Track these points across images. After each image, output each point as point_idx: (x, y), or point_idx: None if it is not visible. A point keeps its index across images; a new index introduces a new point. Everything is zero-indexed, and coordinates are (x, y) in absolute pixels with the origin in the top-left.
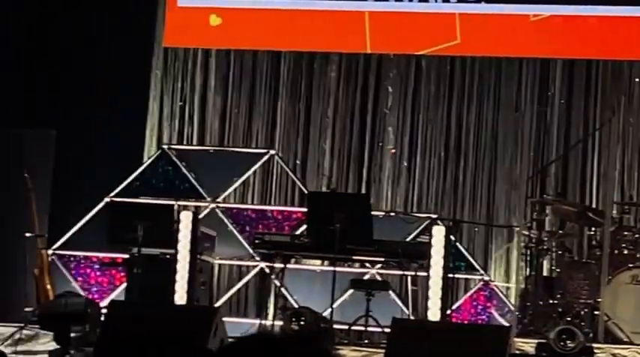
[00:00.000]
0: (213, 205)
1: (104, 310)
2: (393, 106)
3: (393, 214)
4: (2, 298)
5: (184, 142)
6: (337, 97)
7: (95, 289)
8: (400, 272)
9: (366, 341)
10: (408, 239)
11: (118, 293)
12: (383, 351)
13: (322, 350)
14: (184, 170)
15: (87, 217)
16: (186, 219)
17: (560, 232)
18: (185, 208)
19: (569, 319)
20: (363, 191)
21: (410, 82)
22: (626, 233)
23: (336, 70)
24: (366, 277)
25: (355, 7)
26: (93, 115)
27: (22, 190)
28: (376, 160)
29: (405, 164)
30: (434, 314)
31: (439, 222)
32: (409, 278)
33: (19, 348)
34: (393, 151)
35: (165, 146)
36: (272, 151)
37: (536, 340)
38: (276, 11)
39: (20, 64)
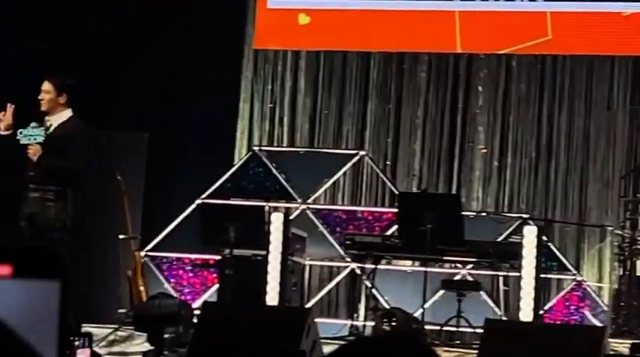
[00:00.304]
0: (303, 207)
1: (197, 312)
2: (483, 106)
3: (484, 214)
4: (96, 300)
5: (275, 144)
6: (427, 97)
7: (187, 290)
8: (492, 272)
9: (458, 342)
10: (499, 239)
11: (210, 294)
12: (475, 352)
13: (430, 351)
14: (275, 172)
15: (179, 219)
16: (277, 220)
17: None
18: (276, 209)
19: None
20: (454, 191)
21: (500, 82)
22: None
23: (426, 71)
24: (457, 277)
25: (446, 6)
26: (184, 117)
27: (115, 192)
28: (467, 160)
29: (496, 164)
30: (526, 315)
31: (531, 222)
32: (501, 278)
33: (114, 349)
34: (484, 150)
35: (255, 148)
36: (362, 152)
37: (631, 341)
38: (366, 12)
39: (115, 66)
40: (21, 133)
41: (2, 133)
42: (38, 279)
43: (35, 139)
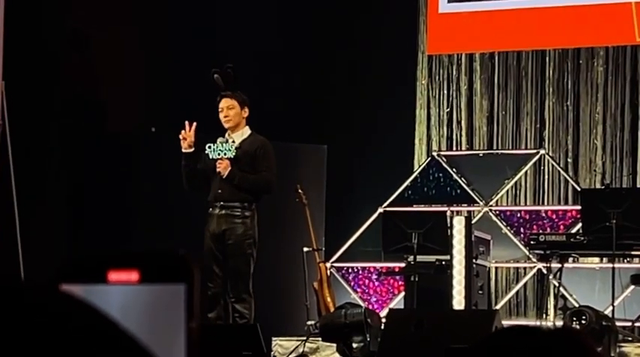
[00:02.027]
0: (486, 209)
1: (384, 320)
2: None
3: None
4: (285, 312)
5: (453, 148)
6: (606, 91)
7: (374, 299)
8: None
9: None
10: None
11: (397, 302)
12: None
13: (587, 347)
14: (455, 176)
15: (362, 229)
16: (459, 224)
17: None
18: (458, 213)
19: None
20: (639, 185)
21: None
22: None
23: (603, 64)
24: None
25: None
26: (361, 127)
27: (296, 205)
28: None
29: None
30: None
31: None
32: None
33: None
34: None
35: (434, 153)
36: (542, 151)
37: None
38: (538, 9)
39: (294, 81)
40: (209, 147)
41: (186, 150)
42: (165, 283)
43: (225, 154)
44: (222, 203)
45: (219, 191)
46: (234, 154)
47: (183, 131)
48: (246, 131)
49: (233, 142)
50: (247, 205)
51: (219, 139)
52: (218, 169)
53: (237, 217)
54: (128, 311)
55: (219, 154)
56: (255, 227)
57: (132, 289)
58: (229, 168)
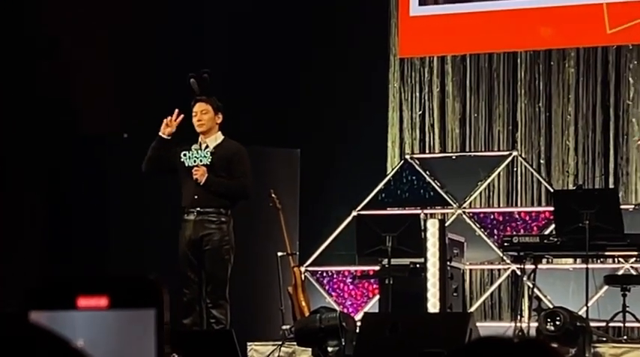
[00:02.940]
0: (459, 211)
1: (359, 323)
2: (635, 97)
3: None
4: (260, 317)
5: (426, 151)
6: (577, 92)
7: (349, 302)
8: None
9: (625, 337)
10: None
11: (372, 305)
12: None
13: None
14: (428, 178)
15: (336, 233)
16: (433, 227)
17: None
18: (431, 216)
19: None
20: (611, 186)
21: None
22: None
23: (575, 66)
24: (621, 272)
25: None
26: (334, 130)
27: (271, 209)
28: (622, 152)
29: None
30: None
31: None
32: None
33: None
34: (639, 142)
35: (407, 156)
36: (514, 153)
37: None
38: (509, 12)
39: (267, 84)
40: (185, 155)
41: (163, 136)
42: (135, 308)
43: (201, 161)
44: (198, 209)
45: (196, 197)
46: (209, 160)
47: (169, 117)
48: (219, 136)
49: (207, 147)
50: (224, 210)
51: (194, 146)
52: (195, 176)
53: (213, 222)
54: (98, 337)
55: (194, 161)
56: (231, 233)
57: (101, 314)
58: (206, 175)
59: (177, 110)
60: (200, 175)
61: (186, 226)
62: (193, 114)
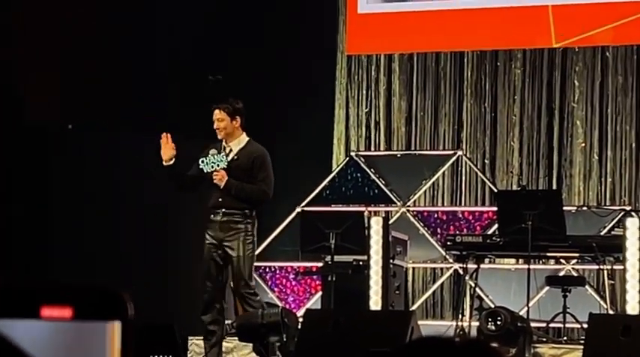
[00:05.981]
0: (403, 210)
1: (301, 319)
2: (580, 100)
3: (585, 208)
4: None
5: (372, 148)
6: (523, 93)
7: (291, 298)
8: (596, 267)
9: (565, 338)
10: (602, 233)
11: (314, 301)
12: (582, 347)
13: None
14: (373, 176)
15: (279, 228)
16: (377, 224)
17: None
18: (375, 213)
19: None
20: (554, 187)
21: (596, 75)
22: None
23: (521, 67)
24: (562, 273)
25: (538, 1)
26: (280, 126)
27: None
28: (566, 154)
29: (596, 157)
30: (633, 308)
31: (633, 214)
32: (605, 272)
33: None
34: (583, 144)
35: (353, 153)
36: (459, 152)
37: None
38: (457, 11)
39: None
40: (202, 161)
41: (167, 163)
42: (99, 320)
43: (218, 166)
44: (223, 210)
45: (220, 200)
46: (226, 164)
47: (162, 141)
48: (243, 139)
49: (231, 151)
50: (248, 212)
51: (211, 151)
52: (215, 181)
53: (239, 222)
54: (60, 348)
55: (212, 167)
56: (255, 232)
57: (64, 325)
58: (225, 178)
59: (163, 134)
60: (219, 179)
61: (212, 227)
62: (213, 121)
